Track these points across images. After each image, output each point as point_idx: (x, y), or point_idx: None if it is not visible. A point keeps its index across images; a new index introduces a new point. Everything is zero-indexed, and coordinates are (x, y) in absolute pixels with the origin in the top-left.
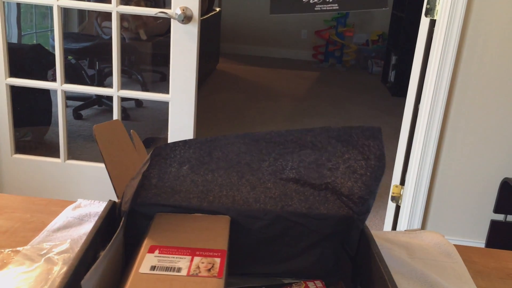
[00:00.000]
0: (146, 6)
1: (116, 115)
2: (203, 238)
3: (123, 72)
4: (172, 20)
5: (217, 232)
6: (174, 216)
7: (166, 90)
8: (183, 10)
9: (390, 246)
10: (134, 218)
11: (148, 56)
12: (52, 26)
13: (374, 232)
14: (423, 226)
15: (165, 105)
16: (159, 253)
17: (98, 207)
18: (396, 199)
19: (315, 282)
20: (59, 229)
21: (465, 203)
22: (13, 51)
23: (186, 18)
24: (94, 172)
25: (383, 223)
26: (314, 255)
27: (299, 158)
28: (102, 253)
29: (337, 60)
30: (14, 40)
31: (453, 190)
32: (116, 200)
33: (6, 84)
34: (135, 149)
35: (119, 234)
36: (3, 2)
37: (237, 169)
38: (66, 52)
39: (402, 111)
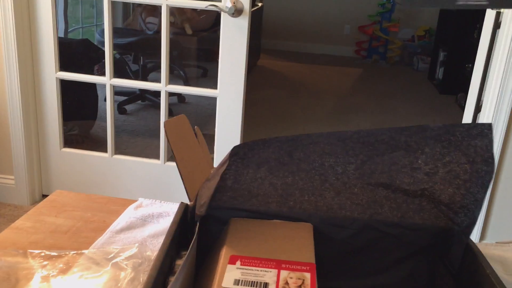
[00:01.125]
0: None
1: (163, 110)
2: (287, 248)
3: None
4: (222, 13)
5: (300, 241)
6: (251, 222)
7: (207, 85)
8: (234, 2)
9: None
10: (206, 222)
11: (191, 51)
12: (98, 21)
13: None
14: (483, 237)
15: (207, 101)
16: (241, 264)
17: (159, 207)
18: None
19: None
20: (122, 230)
21: None
22: (61, 45)
23: (236, 11)
24: (140, 168)
25: None
26: (406, 270)
27: (390, 161)
28: (180, 262)
29: (381, 57)
30: (61, 34)
31: None
32: (187, 202)
33: (56, 77)
34: (200, 146)
35: (195, 241)
36: None
37: (320, 172)
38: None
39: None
